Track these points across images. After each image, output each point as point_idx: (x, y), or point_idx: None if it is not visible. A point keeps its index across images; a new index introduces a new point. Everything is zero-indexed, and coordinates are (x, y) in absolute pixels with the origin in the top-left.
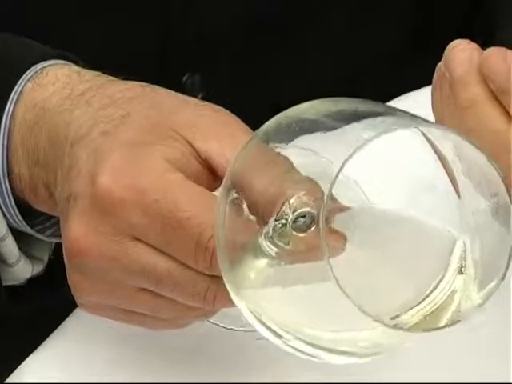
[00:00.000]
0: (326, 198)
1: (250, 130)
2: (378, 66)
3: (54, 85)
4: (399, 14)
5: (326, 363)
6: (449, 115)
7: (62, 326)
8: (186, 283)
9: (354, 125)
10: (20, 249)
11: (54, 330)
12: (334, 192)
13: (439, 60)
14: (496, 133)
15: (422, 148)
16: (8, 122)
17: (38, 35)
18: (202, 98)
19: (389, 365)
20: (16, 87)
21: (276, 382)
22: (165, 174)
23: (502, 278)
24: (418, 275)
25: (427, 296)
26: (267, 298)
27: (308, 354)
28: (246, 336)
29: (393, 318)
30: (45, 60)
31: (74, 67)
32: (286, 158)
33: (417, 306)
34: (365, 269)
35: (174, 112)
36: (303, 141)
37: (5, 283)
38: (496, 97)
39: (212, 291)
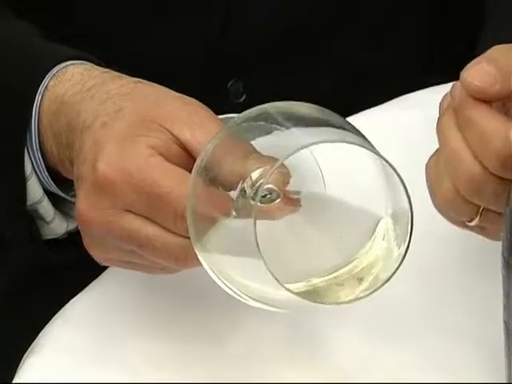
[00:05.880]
0: (269, 172)
1: (219, 120)
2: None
3: (70, 81)
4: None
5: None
6: None
7: (100, 277)
8: (162, 247)
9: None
10: (59, 209)
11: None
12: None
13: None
14: None
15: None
16: (37, 109)
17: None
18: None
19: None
20: (43, 83)
21: None
22: (148, 159)
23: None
24: (345, 245)
25: (349, 263)
26: (218, 261)
27: (254, 303)
28: None
29: (308, 282)
30: (67, 60)
31: (87, 65)
32: (249, 143)
33: (334, 272)
34: (300, 234)
35: (158, 106)
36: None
37: (45, 237)
38: None
39: (183, 254)
